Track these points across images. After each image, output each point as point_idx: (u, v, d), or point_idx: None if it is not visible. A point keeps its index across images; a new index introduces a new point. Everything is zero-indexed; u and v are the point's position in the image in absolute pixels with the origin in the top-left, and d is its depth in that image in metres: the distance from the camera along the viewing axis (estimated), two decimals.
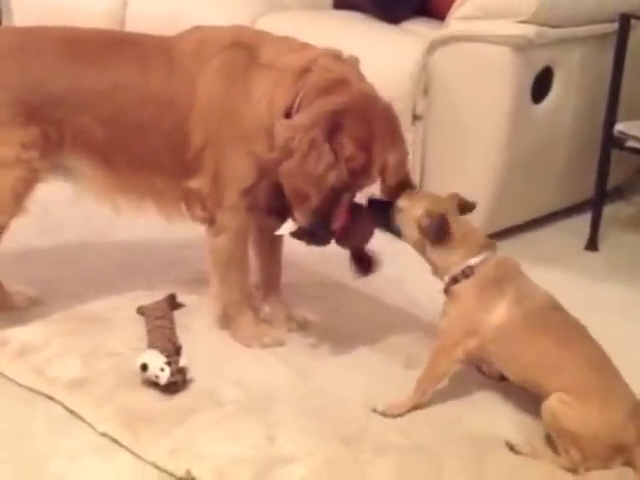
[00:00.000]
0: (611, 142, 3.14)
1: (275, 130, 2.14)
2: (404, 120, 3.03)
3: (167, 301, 2.49)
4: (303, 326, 2.49)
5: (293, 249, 2.60)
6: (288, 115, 2.17)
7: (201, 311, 2.50)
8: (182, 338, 2.33)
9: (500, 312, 2.05)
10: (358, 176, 2.14)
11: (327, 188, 2.10)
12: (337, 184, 2.11)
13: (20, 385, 2.16)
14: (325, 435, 2.01)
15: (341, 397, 2.17)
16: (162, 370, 2.10)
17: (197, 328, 2.44)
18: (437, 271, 2.16)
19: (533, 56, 3.00)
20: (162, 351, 2.17)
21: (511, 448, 1.98)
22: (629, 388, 1.99)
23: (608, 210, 3.34)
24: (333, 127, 2.10)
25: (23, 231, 2.47)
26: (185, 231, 2.55)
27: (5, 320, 2.39)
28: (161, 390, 2.12)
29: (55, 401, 2.10)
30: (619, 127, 3.12)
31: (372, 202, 2.24)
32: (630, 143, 3.10)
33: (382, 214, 2.20)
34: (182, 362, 2.14)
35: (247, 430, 2.01)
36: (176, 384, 2.12)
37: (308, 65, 2.19)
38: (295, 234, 2.22)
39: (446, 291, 2.14)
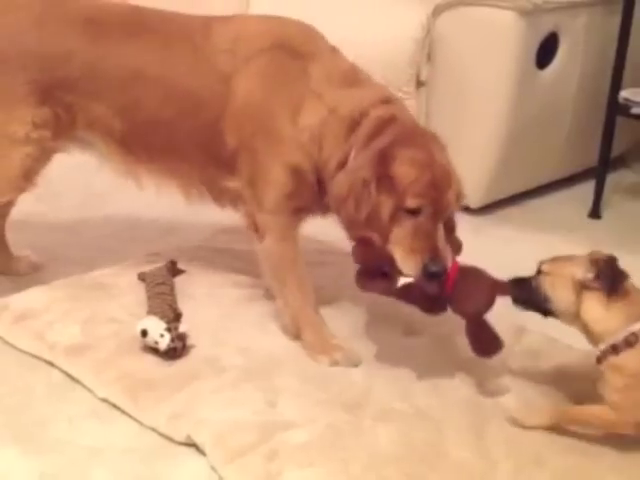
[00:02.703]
0: (616, 109, 3.11)
1: (332, 184, 2.08)
2: (408, 86, 3.04)
3: (168, 267, 2.48)
4: None
5: None
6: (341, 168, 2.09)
7: (202, 278, 2.49)
8: (183, 304, 2.33)
9: None
10: (436, 194, 1.99)
11: (386, 224, 1.99)
12: (425, 219, 1.98)
13: (20, 350, 2.16)
14: (327, 402, 2.01)
15: None
16: (162, 336, 2.10)
17: (198, 295, 2.43)
18: (593, 338, 1.89)
19: (538, 21, 2.96)
20: (162, 317, 2.17)
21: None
22: None
23: (612, 178, 3.33)
24: (383, 161, 2.00)
25: (24, 198, 2.45)
26: None
27: (5, 285, 2.39)
28: (161, 356, 2.11)
29: (55, 366, 2.10)
30: (624, 94, 3.10)
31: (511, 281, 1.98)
32: (635, 110, 3.08)
33: (517, 287, 1.95)
34: (182, 328, 2.14)
35: (248, 396, 2.01)
36: (176, 350, 2.11)
37: (359, 118, 2.09)
38: (407, 293, 2.04)
39: (600, 360, 1.88)
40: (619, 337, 1.84)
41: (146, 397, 1.98)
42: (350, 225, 2.07)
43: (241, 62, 2.17)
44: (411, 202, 1.98)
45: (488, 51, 2.97)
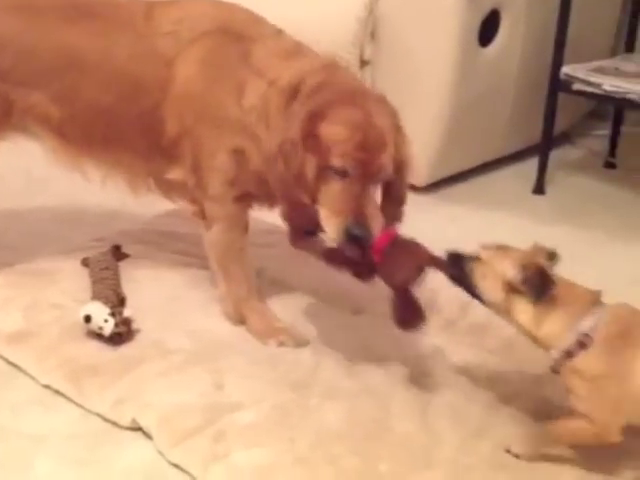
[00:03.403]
0: (558, 85, 3.14)
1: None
2: (352, 65, 3.03)
3: (112, 252, 2.45)
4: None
5: None
6: None
7: (147, 261, 2.47)
8: (128, 289, 2.30)
9: None
10: (366, 156, 1.92)
11: (313, 184, 1.94)
12: (359, 179, 1.91)
13: None
14: (274, 382, 2.01)
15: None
16: (106, 321, 2.07)
17: (143, 279, 2.40)
18: (536, 342, 1.76)
19: None
20: (106, 302, 2.14)
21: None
22: None
23: (555, 154, 3.37)
24: (312, 120, 1.93)
25: None
26: None
27: None
28: (106, 341, 2.09)
29: None
30: (566, 70, 3.13)
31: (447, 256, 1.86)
32: (577, 86, 3.11)
33: (452, 264, 1.83)
34: (127, 313, 2.12)
35: (195, 378, 1.99)
36: (121, 335, 2.09)
37: (298, 86, 2.02)
38: (334, 256, 1.99)
39: (556, 368, 1.75)
40: (570, 340, 1.70)
41: (91, 383, 1.96)
42: (280, 185, 2.01)
43: (184, 45, 2.12)
44: (336, 161, 1.92)
45: (430, 29, 2.97)
